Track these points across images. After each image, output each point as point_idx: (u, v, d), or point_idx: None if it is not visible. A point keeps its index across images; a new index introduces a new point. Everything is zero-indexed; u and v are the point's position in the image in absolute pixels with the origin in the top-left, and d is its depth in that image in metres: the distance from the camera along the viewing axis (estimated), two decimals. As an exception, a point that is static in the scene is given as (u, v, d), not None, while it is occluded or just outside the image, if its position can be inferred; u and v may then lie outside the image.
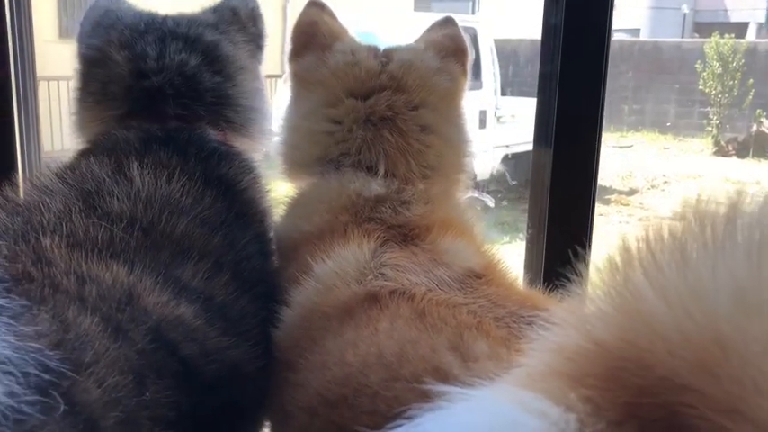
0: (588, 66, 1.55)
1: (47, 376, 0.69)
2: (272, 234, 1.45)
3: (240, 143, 1.51)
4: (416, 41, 1.60)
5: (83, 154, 1.37)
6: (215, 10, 1.57)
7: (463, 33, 1.61)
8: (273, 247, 1.44)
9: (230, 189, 1.36)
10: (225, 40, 1.51)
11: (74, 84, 1.53)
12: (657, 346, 0.55)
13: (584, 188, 1.58)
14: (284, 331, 1.21)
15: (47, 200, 1.13)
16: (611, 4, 1.53)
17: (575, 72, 1.56)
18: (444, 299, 1.01)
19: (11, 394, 0.62)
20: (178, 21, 1.50)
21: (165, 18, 1.51)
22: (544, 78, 1.69)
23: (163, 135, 1.36)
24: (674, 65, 12.11)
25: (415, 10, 13.09)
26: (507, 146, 9.12)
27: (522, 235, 7.09)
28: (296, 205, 1.45)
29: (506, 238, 7.08)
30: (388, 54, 1.49)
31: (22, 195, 1.23)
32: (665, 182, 9.57)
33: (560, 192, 1.61)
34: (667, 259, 0.60)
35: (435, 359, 0.88)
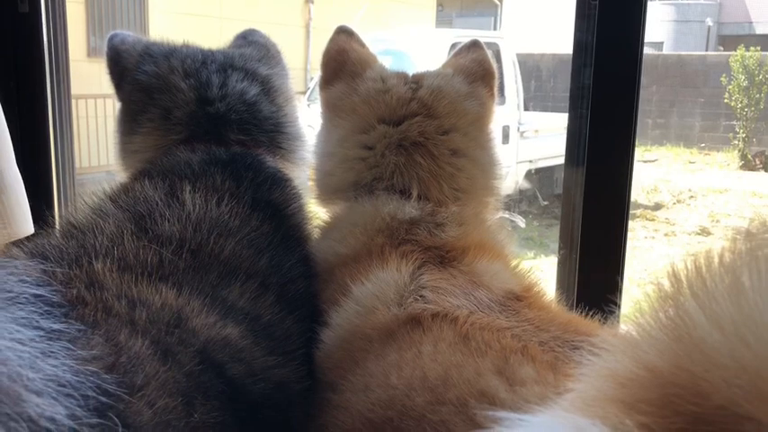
0: (621, 82, 1.56)
1: (104, 399, 0.71)
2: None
3: (287, 169, 1.57)
4: (444, 66, 1.63)
5: (139, 175, 1.40)
6: (250, 44, 1.65)
7: (489, 55, 1.63)
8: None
9: (278, 213, 1.40)
10: (275, 74, 1.61)
11: (121, 110, 1.57)
12: (713, 375, 0.56)
13: (617, 207, 1.59)
14: (325, 352, 1.23)
15: (100, 222, 1.16)
16: (644, 20, 1.53)
17: (607, 88, 1.57)
18: (487, 322, 1.02)
19: (73, 417, 0.63)
20: (229, 54, 1.59)
21: (214, 52, 1.60)
22: (574, 95, 1.70)
23: (227, 158, 1.42)
24: (699, 78, 12.03)
25: (436, 26, 13.17)
26: (530, 161, 9.11)
27: (548, 251, 7.06)
28: (331, 229, 1.47)
29: (531, 254, 7.06)
30: (418, 80, 1.52)
31: (61, 214, 1.26)
32: (691, 196, 9.48)
33: (593, 211, 1.61)
34: (720, 287, 0.60)
35: (481, 383, 0.89)
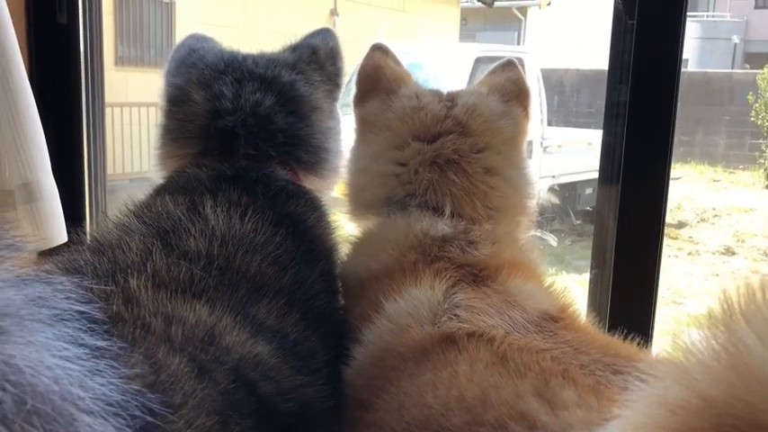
0: (659, 100, 1.55)
1: (150, 419, 0.71)
2: (337, 272, 1.47)
3: (310, 182, 1.54)
4: (479, 84, 1.63)
5: (157, 191, 1.40)
6: (295, 49, 1.61)
7: (525, 76, 1.63)
8: (339, 284, 1.45)
9: (298, 227, 1.38)
10: (301, 81, 1.54)
11: (159, 120, 1.58)
12: (773, 406, 0.55)
13: (652, 226, 1.57)
14: (356, 369, 1.22)
15: (127, 239, 1.16)
16: (682, 38, 1.52)
17: (645, 106, 1.55)
18: (525, 343, 1.01)
19: (123, 438, 0.63)
20: (257, 60, 1.54)
21: (246, 57, 1.55)
22: (609, 112, 1.68)
23: (232, 174, 1.39)
24: (725, 96, 11.93)
25: (460, 41, 13.19)
26: (553, 176, 9.07)
27: (569, 267, 7.00)
28: (362, 244, 1.47)
29: (552, 270, 7.01)
30: (453, 98, 1.52)
31: (95, 229, 1.27)
32: (716, 215, 9.37)
33: (627, 230, 1.59)
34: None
35: (521, 405, 0.88)
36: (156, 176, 1.57)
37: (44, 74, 2.10)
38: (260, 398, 1.01)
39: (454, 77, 7.85)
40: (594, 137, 8.90)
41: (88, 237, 1.22)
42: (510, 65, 1.64)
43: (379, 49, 1.64)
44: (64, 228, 1.90)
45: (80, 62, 2.16)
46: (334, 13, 11.79)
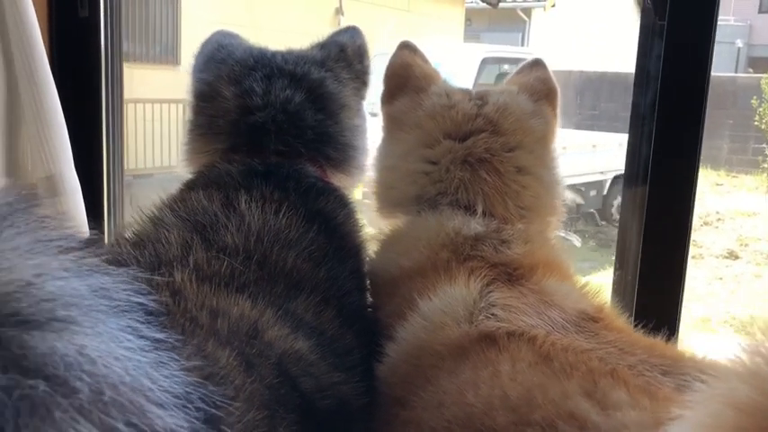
0: (689, 103, 1.54)
1: (215, 411, 0.71)
2: (366, 269, 1.47)
3: (338, 179, 1.54)
4: (508, 83, 1.63)
5: (188, 186, 1.40)
6: (323, 46, 1.61)
7: (552, 75, 1.63)
8: (367, 282, 1.45)
9: (329, 224, 1.38)
10: (330, 78, 1.54)
11: (187, 115, 1.57)
12: None
13: (680, 229, 1.57)
14: (390, 367, 1.22)
15: (165, 233, 1.16)
16: (713, 38, 1.52)
17: (674, 109, 1.55)
18: (568, 343, 1.01)
19: (193, 430, 0.63)
20: (286, 57, 1.54)
21: (275, 54, 1.55)
22: (635, 114, 1.68)
23: (263, 170, 1.40)
24: (728, 100, 11.92)
25: (464, 41, 13.18)
26: (559, 178, 9.03)
27: (585, 267, 6.99)
28: (391, 242, 1.46)
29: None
30: (483, 96, 1.51)
31: (130, 223, 1.26)
32: (719, 219, 9.37)
33: (655, 232, 1.59)
34: None
35: (569, 405, 0.88)
36: (184, 171, 1.57)
37: (65, 68, 2.10)
38: (301, 393, 1.01)
39: (460, 78, 7.85)
40: (599, 139, 8.91)
41: (120, 231, 1.21)
42: (538, 64, 1.64)
43: (407, 47, 1.64)
44: (86, 222, 1.90)
45: (101, 56, 2.16)
46: (339, 12, 11.78)
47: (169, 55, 9.98)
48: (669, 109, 1.55)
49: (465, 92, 1.54)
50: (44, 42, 1.87)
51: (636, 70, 1.66)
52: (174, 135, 9.37)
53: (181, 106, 9.48)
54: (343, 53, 1.60)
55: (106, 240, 1.82)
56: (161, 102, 9.18)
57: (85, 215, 1.90)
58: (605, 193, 8.74)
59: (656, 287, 1.60)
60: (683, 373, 0.89)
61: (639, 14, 1.63)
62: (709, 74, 1.53)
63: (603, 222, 8.84)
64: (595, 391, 0.88)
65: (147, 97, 8.80)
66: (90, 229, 1.82)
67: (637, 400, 0.85)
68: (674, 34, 1.52)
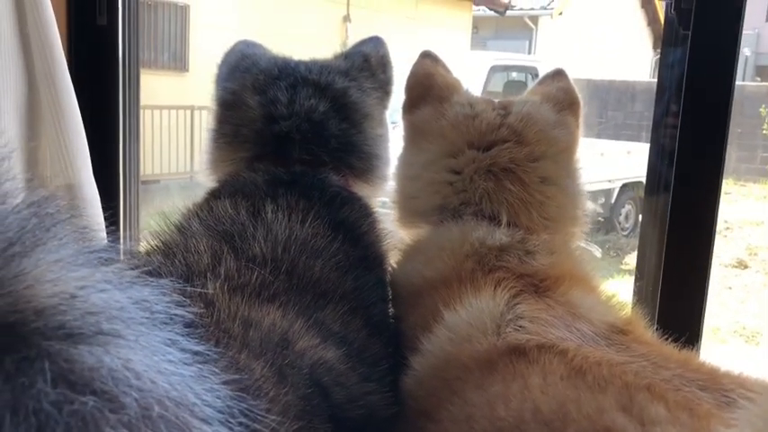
0: (713, 111, 1.54)
1: (256, 426, 0.70)
2: (388, 279, 1.46)
3: (361, 188, 1.53)
4: (529, 93, 1.62)
5: (213, 195, 1.40)
6: (347, 56, 1.62)
7: (574, 85, 1.62)
8: (389, 292, 1.45)
9: (353, 233, 1.38)
10: (354, 88, 1.54)
11: (209, 124, 1.58)
12: None
13: (704, 238, 1.56)
14: (415, 379, 1.21)
15: (194, 243, 1.15)
16: (738, 48, 1.51)
17: (699, 118, 1.55)
18: (600, 356, 1.00)
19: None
20: (311, 67, 1.54)
21: (299, 64, 1.56)
22: (657, 123, 1.68)
23: (288, 179, 1.40)
24: (736, 108, 11.85)
25: (471, 49, 13.20)
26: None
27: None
28: (414, 252, 1.46)
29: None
30: (506, 106, 1.51)
31: (157, 233, 1.26)
32: (727, 227, 9.33)
33: (677, 241, 1.58)
34: None
35: (606, 420, 0.87)
36: (206, 180, 1.57)
37: (83, 75, 2.10)
38: (333, 404, 1.01)
39: (468, 85, 7.85)
40: (606, 147, 8.89)
41: (148, 239, 1.21)
42: (560, 74, 1.64)
43: (428, 57, 1.64)
44: (104, 232, 1.89)
45: (119, 64, 2.17)
46: (346, 19, 11.82)
47: (177, 62, 10.01)
48: (693, 118, 1.55)
49: (488, 101, 1.53)
50: (63, 50, 1.87)
51: (659, 79, 1.66)
52: (181, 141, 9.40)
53: (189, 113, 9.53)
54: (367, 63, 1.61)
55: (121, 248, 1.82)
56: (169, 108, 9.21)
57: (104, 224, 1.89)
58: (613, 201, 8.72)
59: (678, 297, 1.59)
60: (723, 389, 0.88)
61: (663, 24, 1.63)
62: (734, 83, 1.52)
63: (612, 231, 8.82)
64: (632, 406, 0.87)
65: (155, 104, 8.83)
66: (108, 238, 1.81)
67: (676, 416, 0.84)
68: (698, 44, 1.51)
